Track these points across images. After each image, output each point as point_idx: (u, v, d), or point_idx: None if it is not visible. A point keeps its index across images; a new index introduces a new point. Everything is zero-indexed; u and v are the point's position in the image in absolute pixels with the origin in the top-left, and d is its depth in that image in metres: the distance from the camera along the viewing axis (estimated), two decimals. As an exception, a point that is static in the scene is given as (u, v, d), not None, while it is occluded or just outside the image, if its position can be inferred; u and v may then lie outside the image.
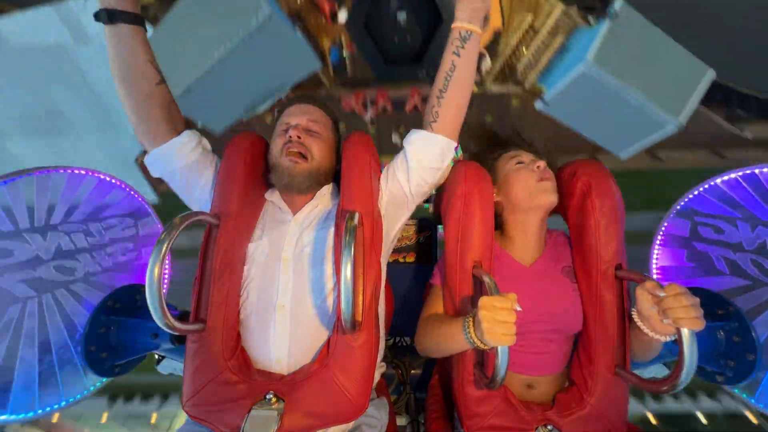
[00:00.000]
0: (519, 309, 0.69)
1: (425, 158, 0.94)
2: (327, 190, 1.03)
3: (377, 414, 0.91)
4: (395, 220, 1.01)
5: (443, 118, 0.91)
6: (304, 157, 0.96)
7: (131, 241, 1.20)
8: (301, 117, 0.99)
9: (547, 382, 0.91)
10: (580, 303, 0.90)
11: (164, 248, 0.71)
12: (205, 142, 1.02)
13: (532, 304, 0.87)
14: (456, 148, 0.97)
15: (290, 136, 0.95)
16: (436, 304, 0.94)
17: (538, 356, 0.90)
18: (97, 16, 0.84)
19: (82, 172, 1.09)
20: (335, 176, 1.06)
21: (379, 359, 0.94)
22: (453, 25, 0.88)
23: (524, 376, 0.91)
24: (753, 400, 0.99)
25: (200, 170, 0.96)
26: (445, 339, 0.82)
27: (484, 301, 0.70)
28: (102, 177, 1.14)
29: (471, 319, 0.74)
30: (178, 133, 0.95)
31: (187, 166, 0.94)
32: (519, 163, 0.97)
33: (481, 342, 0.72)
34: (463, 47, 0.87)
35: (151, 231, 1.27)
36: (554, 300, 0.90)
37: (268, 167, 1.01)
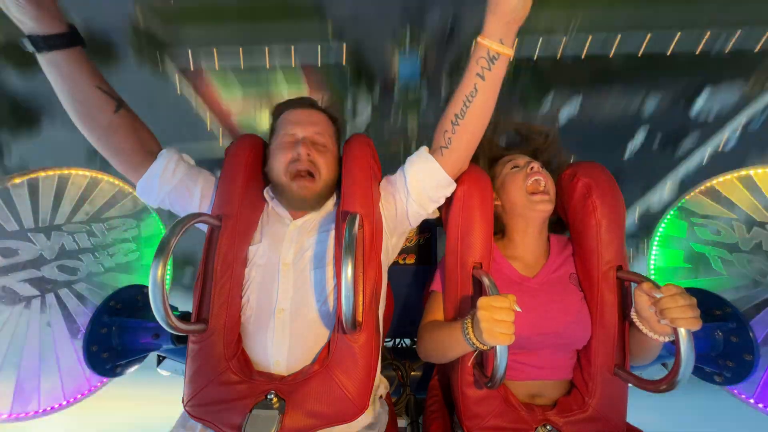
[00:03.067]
0: (518, 310, 0.69)
1: (425, 188, 0.90)
2: (330, 199, 1.02)
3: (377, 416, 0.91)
4: (392, 234, 1.00)
5: (456, 145, 0.85)
6: (311, 176, 0.93)
7: (134, 242, 1.21)
8: (308, 128, 0.94)
9: (553, 387, 0.91)
10: (587, 313, 0.89)
11: (167, 249, 0.72)
12: (186, 156, 0.97)
13: (538, 317, 0.86)
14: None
15: (299, 154, 0.90)
16: (436, 311, 0.94)
17: (545, 370, 0.90)
18: (23, 44, 0.73)
19: (86, 173, 1.10)
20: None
21: (378, 367, 0.94)
22: (480, 40, 0.74)
23: (530, 382, 0.91)
24: (752, 400, 0.99)
25: (190, 187, 0.93)
26: (446, 343, 0.82)
27: (482, 301, 0.70)
28: (105, 178, 1.15)
29: (470, 319, 0.75)
30: (155, 153, 0.90)
31: (176, 188, 0.92)
32: (515, 167, 0.97)
33: (480, 342, 0.72)
34: (489, 69, 0.75)
35: (154, 232, 1.28)
36: (561, 313, 0.89)
37: (266, 175, 0.99)
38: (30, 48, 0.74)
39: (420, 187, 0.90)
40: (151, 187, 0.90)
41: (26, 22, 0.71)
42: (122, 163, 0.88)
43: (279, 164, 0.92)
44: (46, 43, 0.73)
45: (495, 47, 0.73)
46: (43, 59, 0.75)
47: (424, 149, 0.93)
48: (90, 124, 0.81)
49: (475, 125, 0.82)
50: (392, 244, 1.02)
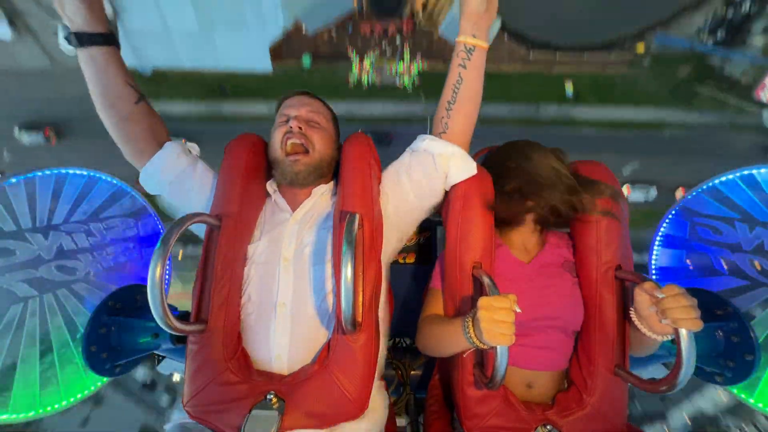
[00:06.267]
0: (518, 311, 0.69)
1: (441, 151, 0.93)
2: (327, 188, 1.03)
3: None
4: (407, 225, 1.02)
5: (452, 128, 0.92)
6: (305, 150, 0.96)
7: (132, 242, 1.21)
8: (300, 108, 1.00)
9: (546, 380, 0.91)
10: (580, 297, 0.90)
11: (166, 249, 0.72)
12: (193, 146, 1.02)
13: (532, 300, 0.87)
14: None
15: (291, 127, 0.95)
16: (436, 305, 0.95)
17: (539, 351, 0.90)
18: (68, 40, 0.84)
19: (84, 173, 1.10)
20: (335, 171, 1.06)
21: (379, 364, 0.94)
22: (457, 39, 0.89)
23: (524, 371, 0.91)
24: (752, 400, 0.99)
25: (191, 176, 0.97)
26: (445, 338, 0.83)
27: (483, 301, 0.70)
28: (104, 178, 1.14)
29: (470, 319, 0.75)
30: (162, 146, 0.95)
31: (178, 177, 0.95)
32: None
33: (481, 342, 0.72)
34: (469, 59, 0.88)
35: (153, 231, 1.27)
36: (554, 295, 0.90)
37: (269, 162, 1.02)
38: (74, 43, 0.84)
39: (436, 150, 0.94)
40: (154, 174, 0.95)
41: (77, 20, 0.83)
42: (132, 150, 0.94)
43: (275, 141, 0.98)
44: (91, 39, 0.85)
45: (470, 41, 0.87)
46: (84, 53, 0.85)
47: (423, 135, 0.98)
48: (112, 111, 0.89)
49: (467, 108, 0.92)
50: (394, 242, 1.02)
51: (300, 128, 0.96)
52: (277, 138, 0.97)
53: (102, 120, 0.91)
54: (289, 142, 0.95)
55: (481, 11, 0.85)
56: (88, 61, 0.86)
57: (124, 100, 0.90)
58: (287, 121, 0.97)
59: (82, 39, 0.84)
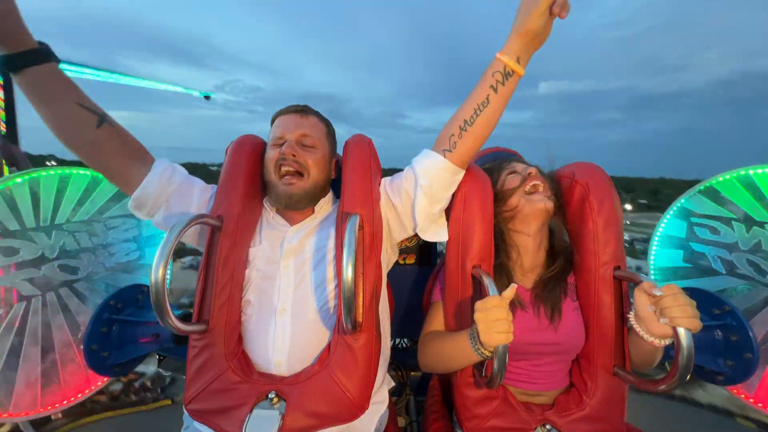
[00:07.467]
0: (515, 285, 0.71)
1: (435, 175, 0.88)
2: (326, 200, 1.02)
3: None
4: (391, 237, 1.00)
5: (460, 149, 0.86)
6: (300, 174, 0.94)
7: (134, 242, 1.21)
8: (294, 131, 0.96)
9: (549, 395, 0.91)
10: (581, 321, 0.90)
11: (168, 249, 0.72)
12: (179, 167, 0.95)
13: (532, 329, 0.87)
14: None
15: (284, 153, 0.92)
16: (437, 320, 0.94)
17: (541, 374, 0.90)
18: (3, 67, 0.71)
19: (87, 173, 1.11)
20: (333, 183, 1.05)
21: (383, 369, 0.93)
22: (499, 55, 0.78)
23: (526, 390, 0.91)
24: (751, 400, 0.99)
25: (187, 194, 0.93)
26: (451, 353, 0.82)
27: (477, 304, 0.71)
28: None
29: (476, 328, 0.74)
30: (147, 164, 0.88)
31: (173, 197, 0.90)
32: (512, 173, 0.97)
33: (485, 348, 0.73)
34: (503, 84, 0.79)
35: (154, 232, 1.28)
36: (555, 323, 0.89)
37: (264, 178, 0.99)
38: (5, 71, 0.72)
39: (430, 174, 0.89)
40: (147, 198, 0.88)
41: None
42: (114, 178, 0.86)
43: (269, 164, 0.95)
44: (20, 60, 0.71)
45: (512, 64, 0.77)
46: (21, 80, 0.73)
47: (427, 150, 0.92)
48: (74, 142, 0.78)
49: (482, 133, 0.84)
50: (390, 249, 1.02)
51: (293, 155, 0.92)
52: (270, 161, 0.94)
53: (74, 154, 0.80)
54: (283, 168, 0.93)
55: (539, 32, 0.74)
56: (28, 87, 0.73)
57: (83, 126, 0.77)
58: (281, 145, 0.94)
59: (11, 63, 0.71)
